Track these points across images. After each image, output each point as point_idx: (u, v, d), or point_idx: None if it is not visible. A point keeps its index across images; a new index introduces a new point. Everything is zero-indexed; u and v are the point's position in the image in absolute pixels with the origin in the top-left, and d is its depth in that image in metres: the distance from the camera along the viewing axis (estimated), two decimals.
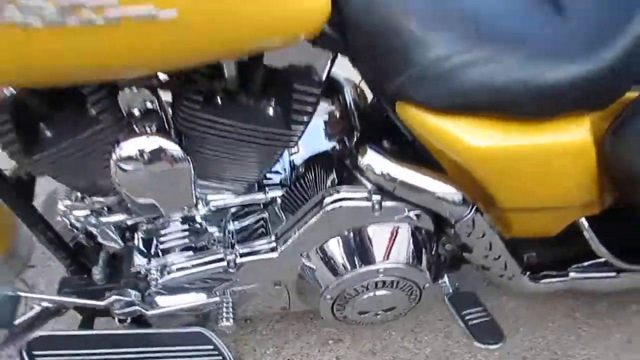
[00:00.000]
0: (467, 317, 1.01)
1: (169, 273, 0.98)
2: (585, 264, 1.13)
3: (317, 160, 1.01)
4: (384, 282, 0.98)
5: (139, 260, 1.00)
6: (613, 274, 1.13)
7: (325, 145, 1.02)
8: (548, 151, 0.85)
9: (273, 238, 0.98)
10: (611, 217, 1.01)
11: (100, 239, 1.00)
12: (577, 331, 1.35)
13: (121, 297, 0.97)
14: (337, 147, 1.02)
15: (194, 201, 0.91)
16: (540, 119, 0.83)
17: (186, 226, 1.01)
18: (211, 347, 1.02)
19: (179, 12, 0.61)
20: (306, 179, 1.01)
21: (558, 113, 0.83)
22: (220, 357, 1.03)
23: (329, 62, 0.86)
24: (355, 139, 0.96)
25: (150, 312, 0.98)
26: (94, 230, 0.99)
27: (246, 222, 1.04)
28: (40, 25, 0.56)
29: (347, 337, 1.32)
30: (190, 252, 1.00)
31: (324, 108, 1.01)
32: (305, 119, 0.85)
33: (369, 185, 0.92)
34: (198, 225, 1.02)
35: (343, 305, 1.03)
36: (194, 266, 0.98)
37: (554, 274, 1.13)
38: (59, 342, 1.00)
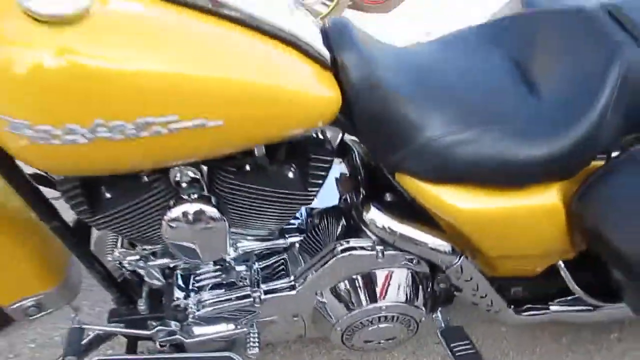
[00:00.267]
0: (455, 350, 1.16)
1: (203, 307, 1.15)
2: (565, 298, 1.29)
3: (329, 212, 1.18)
4: (386, 317, 1.15)
5: (178, 295, 1.17)
6: (590, 308, 1.27)
7: (336, 199, 1.19)
8: (523, 213, 1.01)
9: (292, 278, 1.15)
10: (585, 259, 1.16)
11: (146, 278, 1.17)
12: (562, 357, 1.49)
13: (164, 328, 1.15)
14: (347, 200, 1.18)
15: (228, 251, 1.08)
16: (515, 187, 1.00)
17: (218, 266, 1.19)
18: None
19: (224, 121, 0.78)
20: (320, 228, 1.18)
21: (530, 183, 0.99)
22: None
23: (340, 136, 1.03)
24: (361, 196, 1.12)
25: (188, 340, 1.15)
26: (140, 271, 1.17)
27: (269, 262, 1.21)
28: (121, 138, 0.74)
29: (355, 359, 1.49)
30: (222, 290, 1.17)
31: (336, 167, 1.18)
32: (320, 182, 1.02)
33: (373, 237, 1.09)
34: (228, 265, 1.20)
35: (351, 335, 1.20)
36: (224, 301, 1.16)
37: (537, 306, 1.28)
38: None
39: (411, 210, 1.07)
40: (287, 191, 1.00)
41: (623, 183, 1.00)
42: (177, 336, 1.16)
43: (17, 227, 1.14)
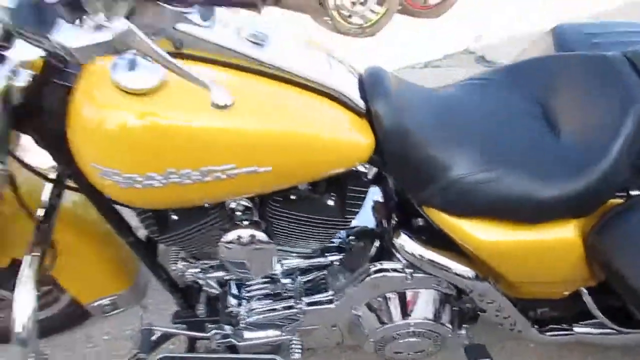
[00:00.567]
0: None
1: (253, 314, 1.31)
2: (590, 321, 1.36)
3: (366, 234, 1.31)
4: (414, 332, 1.27)
5: (232, 302, 1.34)
6: (614, 331, 1.34)
7: (371, 222, 1.31)
8: (541, 246, 1.10)
9: (331, 293, 1.29)
10: (608, 285, 1.23)
11: (204, 287, 1.35)
12: None
13: (220, 331, 1.32)
14: (382, 223, 1.31)
15: (274, 268, 1.23)
16: (534, 223, 1.09)
17: (266, 279, 1.35)
18: None
19: (273, 167, 0.93)
20: (357, 248, 1.31)
21: (549, 220, 1.08)
22: None
23: (375, 170, 1.16)
24: (392, 222, 1.24)
25: (241, 343, 1.32)
26: (199, 280, 1.34)
27: (311, 276, 1.36)
28: (189, 182, 0.91)
29: None
30: (269, 300, 1.33)
31: (372, 193, 1.30)
32: (356, 210, 1.15)
33: (403, 260, 1.21)
34: (275, 278, 1.35)
35: (383, 347, 1.33)
36: (271, 310, 1.31)
37: (560, 327, 1.36)
38: None
39: (438, 238, 1.18)
40: (327, 217, 1.14)
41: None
42: (231, 339, 1.32)
43: (97, 239, 1.36)
